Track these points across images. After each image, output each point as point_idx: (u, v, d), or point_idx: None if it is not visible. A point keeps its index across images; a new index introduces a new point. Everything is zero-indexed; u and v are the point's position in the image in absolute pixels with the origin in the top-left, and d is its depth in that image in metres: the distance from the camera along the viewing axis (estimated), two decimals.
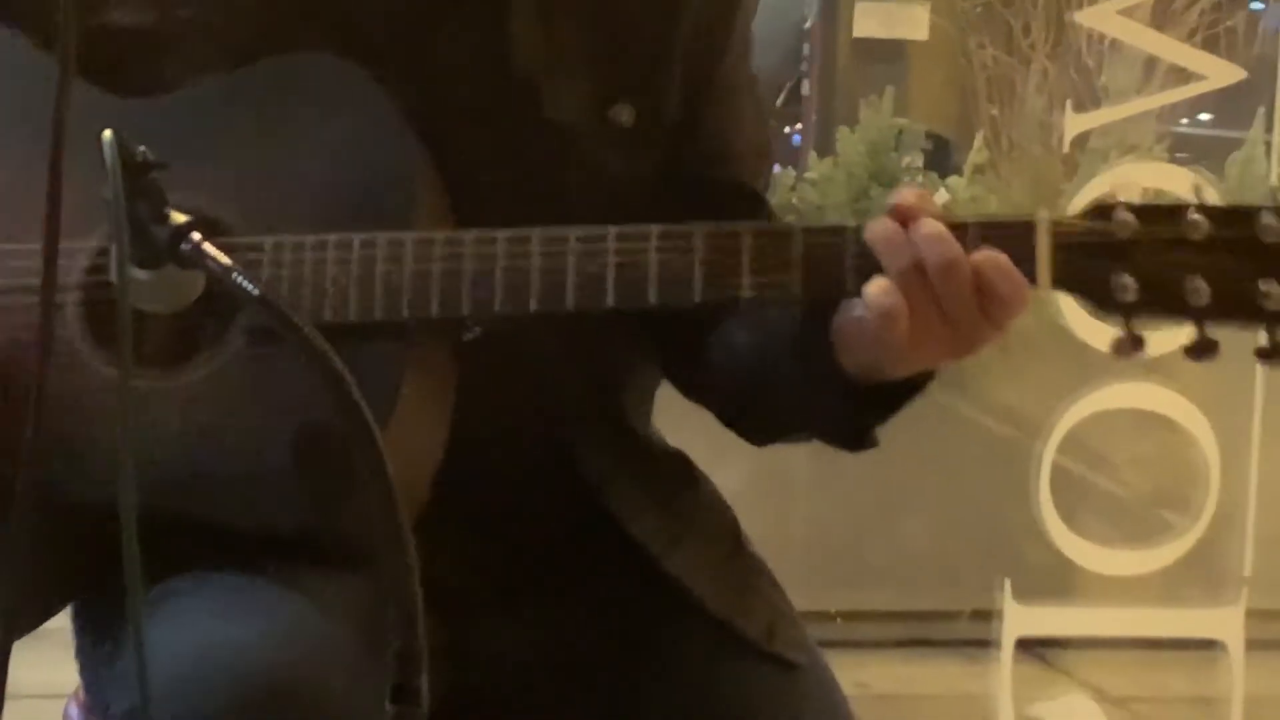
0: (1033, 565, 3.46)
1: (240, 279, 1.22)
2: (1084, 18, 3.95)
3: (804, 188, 4.48)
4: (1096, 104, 3.99)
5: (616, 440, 1.62)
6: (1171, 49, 3.66)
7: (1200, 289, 1.34)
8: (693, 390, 1.65)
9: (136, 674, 1.24)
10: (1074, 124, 3.54)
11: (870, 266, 1.37)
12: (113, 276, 1.21)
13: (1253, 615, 3.40)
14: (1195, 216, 1.35)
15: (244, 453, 1.46)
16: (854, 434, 1.51)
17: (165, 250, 1.28)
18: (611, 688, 1.56)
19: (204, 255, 1.26)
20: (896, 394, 1.44)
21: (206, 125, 1.52)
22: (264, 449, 1.45)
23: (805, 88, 4.82)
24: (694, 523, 1.63)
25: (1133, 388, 3.29)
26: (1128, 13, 3.44)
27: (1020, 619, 3.35)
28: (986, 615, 3.43)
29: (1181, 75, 3.57)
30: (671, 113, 1.61)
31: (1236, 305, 1.34)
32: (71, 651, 1.61)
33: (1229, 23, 4.95)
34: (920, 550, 4.18)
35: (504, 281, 1.42)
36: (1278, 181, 3.85)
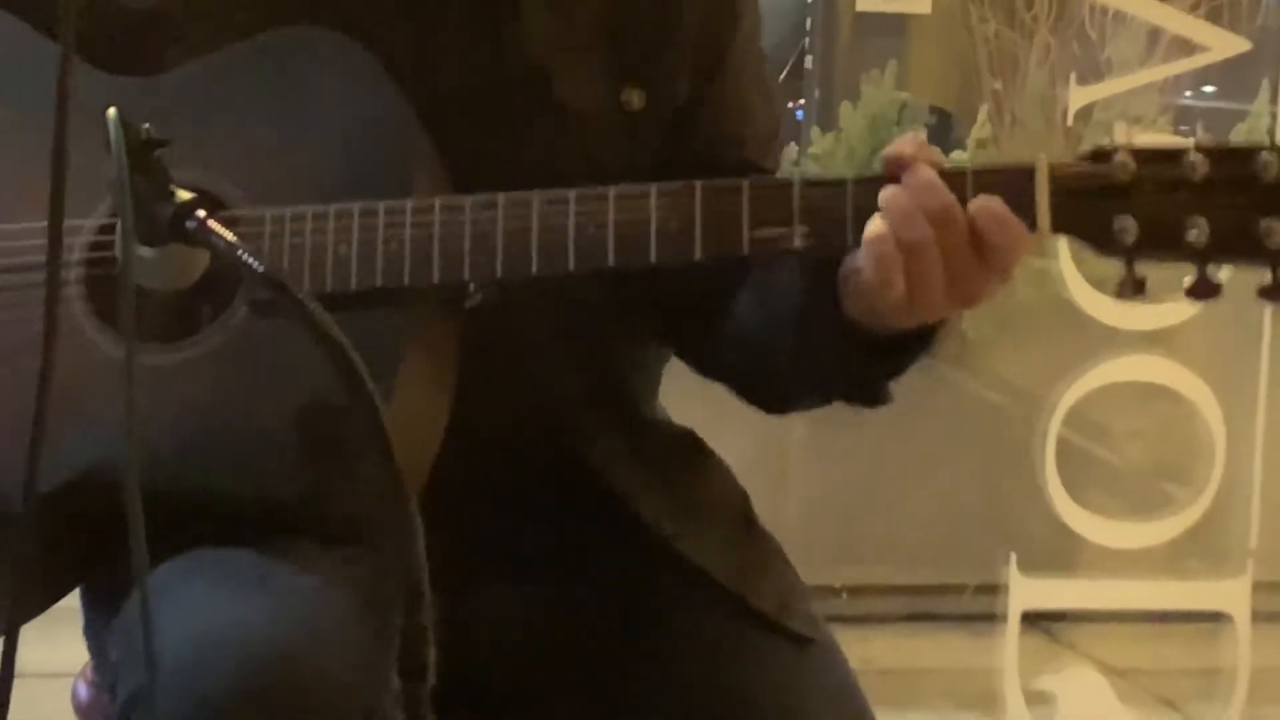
0: (1038, 539, 3.46)
1: (246, 256, 1.22)
2: None
3: (806, 163, 4.46)
4: (1100, 77, 3.97)
5: (621, 420, 1.62)
6: (1175, 20, 3.65)
7: (1200, 229, 1.34)
8: (709, 368, 1.64)
9: (144, 653, 1.25)
10: (1077, 97, 3.53)
11: (870, 217, 1.37)
12: (117, 253, 1.21)
13: (1259, 587, 3.40)
14: (1194, 157, 1.35)
15: (248, 428, 1.46)
16: (867, 387, 1.50)
17: (170, 227, 1.27)
18: (617, 661, 1.56)
19: (210, 232, 1.26)
20: (907, 346, 1.44)
21: (204, 99, 1.52)
22: (268, 424, 1.45)
23: (808, 62, 4.80)
24: (704, 503, 1.63)
25: (1137, 360, 3.27)
26: None
27: (1026, 592, 3.35)
28: (992, 589, 3.43)
29: (1185, 47, 3.56)
30: (680, 96, 1.60)
31: (1237, 244, 1.35)
32: (79, 630, 1.61)
33: None
34: (925, 524, 4.18)
35: (505, 244, 1.41)
36: None
